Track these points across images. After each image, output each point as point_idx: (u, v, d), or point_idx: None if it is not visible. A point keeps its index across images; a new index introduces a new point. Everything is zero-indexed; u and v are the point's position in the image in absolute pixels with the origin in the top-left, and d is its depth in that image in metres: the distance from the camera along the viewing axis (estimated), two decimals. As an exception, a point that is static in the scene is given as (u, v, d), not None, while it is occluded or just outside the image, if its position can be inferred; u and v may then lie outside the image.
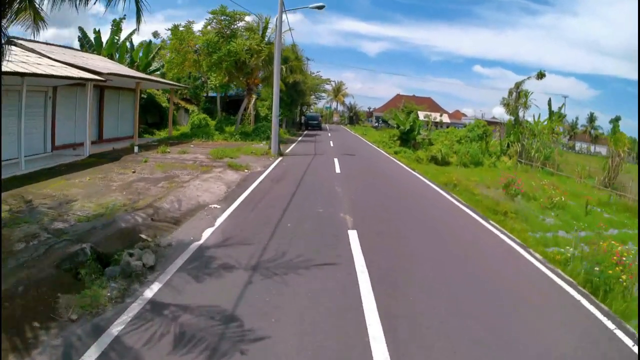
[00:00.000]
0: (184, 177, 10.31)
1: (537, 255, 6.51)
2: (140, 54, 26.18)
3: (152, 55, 26.88)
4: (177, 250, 5.38)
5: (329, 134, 37.81)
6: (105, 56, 22.36)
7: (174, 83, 23.38)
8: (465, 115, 68.79)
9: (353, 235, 6.53)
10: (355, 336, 3.66)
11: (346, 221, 7.42)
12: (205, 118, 24.42)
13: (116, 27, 23.83)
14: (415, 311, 4.24)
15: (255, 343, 3.44)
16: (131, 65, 24.87)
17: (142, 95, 22.37)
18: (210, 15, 22.28)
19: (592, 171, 21.19)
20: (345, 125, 65.87)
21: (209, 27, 22.60)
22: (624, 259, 6.11)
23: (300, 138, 29.64)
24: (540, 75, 29.18)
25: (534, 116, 26.79)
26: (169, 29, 23.86)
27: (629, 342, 4.05)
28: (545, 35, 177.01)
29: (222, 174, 11.06)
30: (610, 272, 5.72)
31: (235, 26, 22.69)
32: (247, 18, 23.00)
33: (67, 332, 3.67)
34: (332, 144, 25.90)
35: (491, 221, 8.43)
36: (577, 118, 66.32)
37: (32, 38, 10.26)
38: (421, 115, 36.36)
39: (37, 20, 8.69)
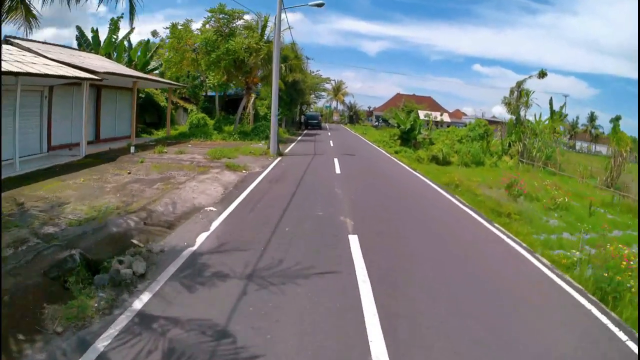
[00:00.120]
0: (180, 178, 10.10)
1: (545, 260, 6.30)
2: (139, 53, 25.94)
3: (150, 54, 26.64)
4: (169, 257, 5.16)
5: (329, 134, 37.60)
6: (103, 55, 22.13)
7: (172, 82, 23.16)
8: (466, 115, 68.56)
9: (354, 240, 6.33)
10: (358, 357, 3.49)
11: (346, 225, 7.21)
12: (204, 117, 24.23)
13: (114, 26, 23.57)
14: (420, 325, 4.04)
15: (248, 363, 3.25)
16: (129, 64, 24.64)
17: (140, 95, 22.17)
18: (209, 14, 22.06)
19: (594, 171, 21.05)
20: (345, 124, 65.64)
21: (207, 25, 22.38)
22: (632, 263, 5.93)
23: (299, 137, 29.43)
24: (542, 74, 29.00)
25: (535, 115, 26.61)
26: (167, 28, 23.67)
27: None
28: (545, 35, 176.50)
29: (220, 175, 10.85)
30: (619, 277, 5.54)
31: (234, 25, 22.48)
32: (246, 16, 22.84)
33: (52, 345, 3.49)
34: (332, 144, 25.70)
35: (496, 224, 8.22)
36: (577, 117, 66.20)
37: (25, 36, 10.16)
38: (421, 114, 36.16)
39: (29, 18, 8.54)
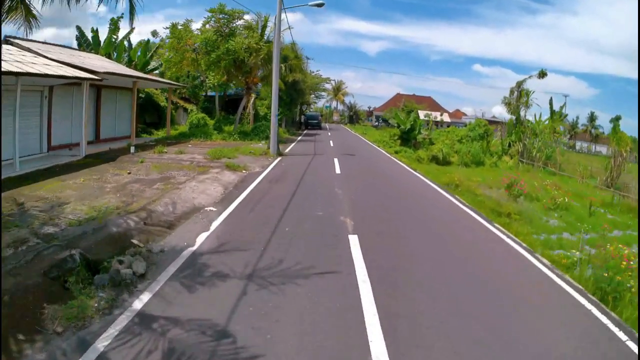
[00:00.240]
0: (180, 178, 10.10)
1: (545, 260, 6.30)
2: (139, 53, 25.94)
3: (150, 54, 26.64)
4: (169, 257, 5.16)
5: (329, 134, 37.58)
6: (103, 55, 22.12)
7: (172, 82, 23.15)
8: (465, 115, 68.55)
9: (354, 240, 6.31)
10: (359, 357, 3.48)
11: (346, 224, 7.20)
12: (204, 117, 24.22)
13: (114, 26, 23.56)
14: (420, 325, 4.04)
15: (248, 362, 3.25)
16: (129, 64, 24.64)
17: (140, 95, 22.17)
18: (209, 14, 22.04)
19: (594, 171, 21.05)
20: (345, 124, 65.61)
21: (207, 25, 22.36)
22: (632, 262, 5.92)
23: (299, 137, 29.42)
24: (542, 74, 29.00)
25: (535, 115, 26.61)
26: (167, 28, 23.66)
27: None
28: (545, 35, 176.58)
29: (219, 175, 10.85)
30: (619, 277, 5.54)
31: (234, 24, 22.46)
32: (246, 16, 22.81)
33: (52, 345, 3.49)
34: (332, 144, 25.69)
35: (496, 224, 8.22)
36: (577, 117, 66.20)
37: (25, 36, 10.16)
38: (421, 114, 36.15)
39: (29, 18, 8.54)
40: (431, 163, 19.80)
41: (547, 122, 26.46)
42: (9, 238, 5.53)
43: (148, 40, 28.04)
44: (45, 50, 14.23)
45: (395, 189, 11.78)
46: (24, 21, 8.05)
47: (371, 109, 75.77)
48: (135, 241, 5.48)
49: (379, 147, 25.90)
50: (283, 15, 17.87)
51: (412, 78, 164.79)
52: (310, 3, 17.62)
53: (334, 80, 65.58)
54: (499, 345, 3.73)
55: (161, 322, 3.66)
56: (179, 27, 22.50)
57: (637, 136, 26.89)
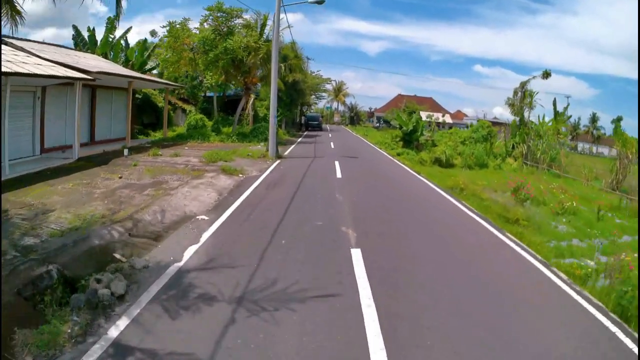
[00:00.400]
0: (172, 183, 9.65)
1: (562, 275, 5.86)
2: (136, 53, 25.56)
3: (147, 54, 26.25)
4: (152, 275, 4.70)
5: (330, 135, 37.15)
6: (99, 55, 21.74)
7: (168, 82, 22.75)
8: (467, 116, 68.18)
9: (356, 254, 5.77)
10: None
11: (348, 236, 6.69)
12: (202, 118, 23.80)
13: (110, 25, 23.19)
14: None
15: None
16: (126, 64, 24.26)
17: (137, 95, 21.78)
18: (207, 12, 21.61)
19: (599, 173, 20.68)
20: (346, 125, 65.15)
21: (205, 24, 21.94)
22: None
23: (300, 139, 28.97)
24: (546, 75, 28.56)
25: (538, 117, 26.19)
26: (163, 26, 23.23)
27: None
28: (545, 35, 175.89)
29: (214, 180, 10.40)
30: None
31: (232, 23, 22.01)
32: (245, 15, 22.36)
33: (18, 378, 3.08)
34: (332, 145, 25.25)
35: (507, 233, 7.75)
36: (579, 118, 65.95)
37: (11, 34, 9.76)
38: (423, 115, 35.69)
39: (14, 14, 8.15)
40: (434, 165, 19.39)
41: (550, 123, 26.05)
42: (-15, 251, 5.13)
43: (145, 39, 27.65)
44: (39, 49, 13.86)
45: (400, 195, 11.30)
46: (9, 18, 7.72)
47: (372, 110, 75.38)
48: (117, 255, 5.06)
49: (380, 148, 25.45)
50: (282, 14, 17.47)
51: (412, 78, 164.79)
52: (310, 0, 17.22)
53: (335, 80, 65.26)
54: None
55: (137, 356, 3.23)
56: (177, 25, 22.06)
57: (637, 136, 26.51)
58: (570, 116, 31.86)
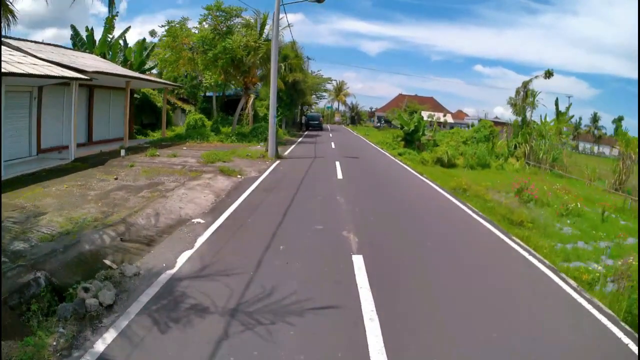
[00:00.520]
0: (169, 184, 9.44)
1: (571, 281, 5.64)
2: (134, 53, 25.37)
3: (146, 54, 26.06)
4: (143, 283, 4.48)
5: (330, 135, 36.89)
6: (97, 55, 21.57)
7: (167, 82, 22.54)
8: (468, 115, 67.94)
9: (358, 261, 5.52)
10: None
11: (349, 241, 6.44)
12: (201, 118, 23.64)
13: (109, 25, 23.00)
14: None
15: None
16: (124, 64, 24.07)
17: (136, 95, 21.60)
18: (206, 11, 21.39)
19: (602, 173, 20.46)
20: (347, 125, 64.88)
21: (204, 23, 21.73)
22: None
23: (300, 139, 28.73)
24: (548, 74, 28.39)
25: (540, 116, 25.98)
26: (162, 26, 23.02)
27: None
28: (546, 35, 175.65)
29: (212, 181, 10.18)
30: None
31: (232, 22, 21.79)
32: (244, 14, 22.13)
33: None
34: (333, 145, 25.01)
35: (514, 237, 7.50)
36: (580, 118, 65.82)
37: (5, 33, 9.55)
38: (424, 115, 35.46)
39: (6, 13, 7.97)
40: (436, 165, 19.18)
41: (552, 123, 25.82)
42: (-28, 256, 4.94)
43: (144, 39, 27.45)
44: (36, 49, 13.70)
45: (402, 197, 11.06)
46: (2, 18, 7.56)
47: (373, 110, 75.15)
48: (107, 262, 4.85)
49: (381, 148, 25.18)
50: (282, 14, 17.25)
51: (413, 78, 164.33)
52: (310, -1, 17.03)
53: (336, 80, 65.04)
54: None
55: (122, 374, 3.03)
56: (175, 25, 21.85)
57: (637, 136, 26.25)
58: (573, 116, 31.58)
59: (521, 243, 7.16)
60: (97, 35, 23.77)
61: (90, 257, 5.07)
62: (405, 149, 23.59)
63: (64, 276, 4.75)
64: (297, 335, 3.70)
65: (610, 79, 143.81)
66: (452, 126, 46.48)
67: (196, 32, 21.83)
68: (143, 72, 25.06)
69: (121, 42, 25.40)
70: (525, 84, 26.61)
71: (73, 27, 23.80)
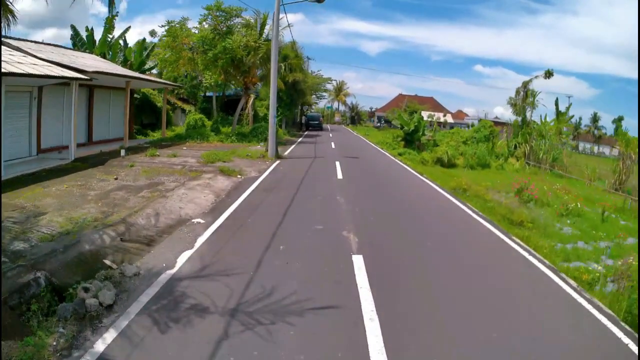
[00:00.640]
0: (169, 184, 9.44)
1: (571, 282, 5.64)
2: (134, 53, 25.37)
3: (146, 54, 26.06)
4: (143, 283, 4.48)
5: (330, 135, 36.89)
6: (97, 55, 21.57)
7: (167, 82, 22.54)
8: (468, 115, 67.94)
9: (358, 261, 5.52)
10: None
11: (349, 241, 6.44)
12: (201, 118, 23.63)
13: (109, 25, 23.00)
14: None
15: None
16: (124, 64, 24.08)
17: (136, 95, 21.60)
18: (206, 11, 21.39)
19: (602, 173, 20.47)
20: (347, 125, 64.89)
21: (204, 23, 21.73)
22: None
23: (300, 139, 28.73)
24: (548, 74, 28.39)
25: (540, 116, 25.99)
26: (162, 26, 23.02)
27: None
28: (546, 35, 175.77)
29: (212, 181, 10.19)
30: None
31: (232, 22, 21.80)
32: (244, 14, 22.14)
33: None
34: (333, 145, 25.01)
35: (514, 237, 7.49)
36: (580, 118, 65.85)
37: (5, 33, 9.55)
38: (424, 115, 35.47)
39: (7, 13, 7.97)
40: (436, 165, 19.18)
41: (552, 123, 25.83)
42: (-28, 256, 4.94)
43: (144, 39, 27.46)
44: (36, 49, 13.71)
45: (402, 197, 11.07)
46: (2, 18, 7.57)
47: (373, 110, 75.17)
48: (107, 262, 4.86)
49: (381, 148, 25.18)
50: (282, 14, 17.26)
51: (413, 78, 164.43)
52: (310, -2, 17.03)
53: (336, 80, 65.03)
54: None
55: (122, 374, 3.03)
56: (175, 25, 21.85)
57: (637, 136, 26.27)
58: (573, 116, 31.60)
59: (521, 243, 7.16)
60: (97, 35, 23.80)
61: (90, 257, 5.08)
62: (405, 149, 23.60)
63: (64, 276, 4.75)
64: (297, 335, 3.70)
65: (610, 79, 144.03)
66: (452, 126, 46.48)
67: (196, 32, 21.83)
68: (143, 72, 25.06)
69: (121, 42, 25.40)
70: (525, 84, 26.62)
71: (73, 27, 23.82)
